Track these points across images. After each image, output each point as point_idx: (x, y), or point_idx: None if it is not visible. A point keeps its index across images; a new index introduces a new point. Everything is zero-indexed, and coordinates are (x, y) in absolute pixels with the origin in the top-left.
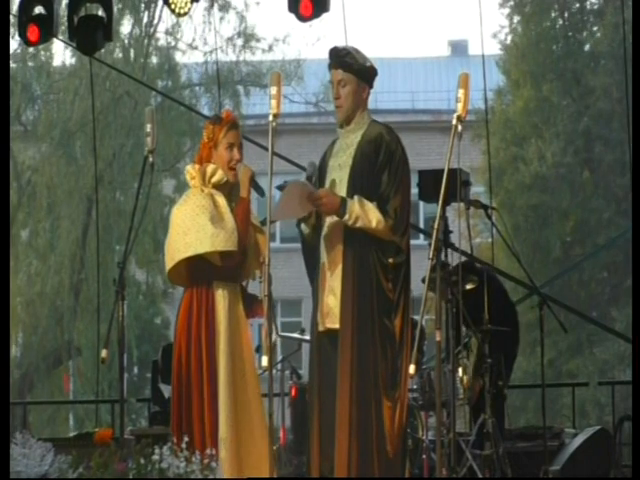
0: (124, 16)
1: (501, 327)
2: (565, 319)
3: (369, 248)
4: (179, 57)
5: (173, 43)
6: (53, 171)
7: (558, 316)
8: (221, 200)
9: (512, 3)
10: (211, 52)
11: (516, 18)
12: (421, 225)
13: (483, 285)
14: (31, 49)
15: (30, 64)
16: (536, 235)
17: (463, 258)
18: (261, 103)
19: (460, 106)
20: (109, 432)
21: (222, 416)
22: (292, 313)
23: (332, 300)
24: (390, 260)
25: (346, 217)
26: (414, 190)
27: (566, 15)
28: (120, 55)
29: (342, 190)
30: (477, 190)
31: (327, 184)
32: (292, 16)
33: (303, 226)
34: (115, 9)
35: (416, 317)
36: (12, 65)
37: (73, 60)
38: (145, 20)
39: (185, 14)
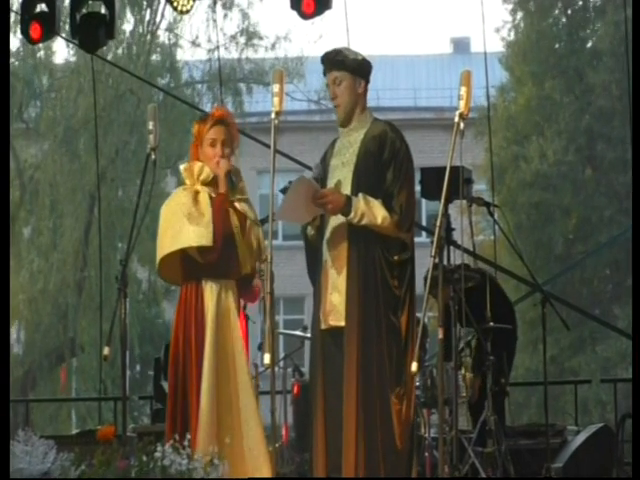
0: (126, 13)
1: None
2: (567, 317)
3: (374, 246)
4: (181, 54)
5: (175, 41)
6: (56, 168)
7: (560, 314)
8: (204, 197)
9: None
10: (214, 50)
11: (519, 14)
12: (423, 223)
13: (483, 284)
14: (33, 46)
15: (32, 62)
16: (538, 233)
17: (465, 255)
18: (263, 101)
19: (462, 103)
20: (111, 429)
21: (203, 408)
22: (295, 311)
23: (336, 297)
24: (396, 257)
25: (351, 215)
26: (416, 188)
27: (569, 12)
28: (123, 52)
29: (346, 188)
30: (479, 188)
31: (331, 184)
32: (294, 13)
33: (309, 228)
34: (117, 6)
35: (418, 314)
36: (14, 62)
37: (75, 57)
38: (147, 18)
39: (187, 12)
